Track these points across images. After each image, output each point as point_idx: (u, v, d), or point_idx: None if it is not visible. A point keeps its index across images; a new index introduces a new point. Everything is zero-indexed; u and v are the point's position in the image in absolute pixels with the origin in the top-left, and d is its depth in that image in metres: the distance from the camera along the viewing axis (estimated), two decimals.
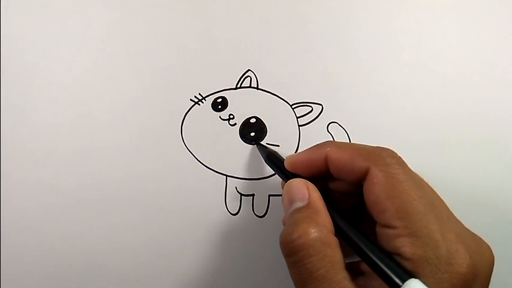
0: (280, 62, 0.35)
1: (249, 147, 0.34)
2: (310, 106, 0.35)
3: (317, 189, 0.26)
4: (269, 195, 0.34)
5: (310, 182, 0.26)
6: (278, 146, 0.34)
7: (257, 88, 0.35)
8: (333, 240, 0.23)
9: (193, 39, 0.34)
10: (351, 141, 0.35)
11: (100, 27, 0.34)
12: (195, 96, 0.34)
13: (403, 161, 0.25)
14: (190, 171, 0.34)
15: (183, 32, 0.34)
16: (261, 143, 0.34)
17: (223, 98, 0.34)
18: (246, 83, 0.34)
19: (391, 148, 0.25)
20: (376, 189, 0.23)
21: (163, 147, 0.34)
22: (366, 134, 0.35)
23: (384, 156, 0.24)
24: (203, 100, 0.34)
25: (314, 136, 0.35)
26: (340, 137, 0.35)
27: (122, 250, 0.33)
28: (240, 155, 0.34)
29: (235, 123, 0.34)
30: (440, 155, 0.35)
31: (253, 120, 0.34)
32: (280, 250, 0.24)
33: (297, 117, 0.35)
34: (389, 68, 0.35)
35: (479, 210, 0.35)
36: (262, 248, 0.34)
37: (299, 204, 0.25)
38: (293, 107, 0.35)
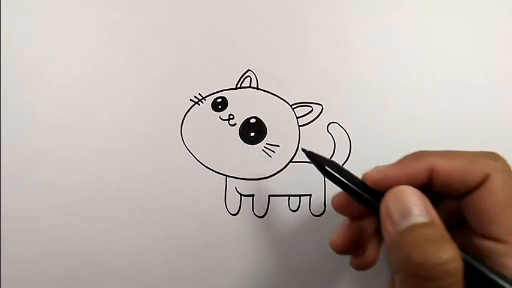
0: (280, 62, 0.35)
1: (249, 147, 0.34)
2: (310, 106, 0.35)
3: (428, 199, 0.22)
4: (269, 196, 0.34)
5: (422, 193, 0.22)
6: (278, 146, 0.34)
7: (257, 88, 0.35)
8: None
9: (193, 39, 0.34)
10: (351, 141, 0.35)
11: (100, 27, 0.34)
12: (195, 96, 0.34)
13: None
14: (190, 171, 0.34)
15: (183, 32, 0.34)
16: (313, 151, 0.27)
17: (223, 98, 0.34)
18: (246, 83, 0.34)
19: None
20: (492, 198, 0.21)
21: (163, 147, 0.34)
22: (366, 134, 0.35)
23: (502, 163, 0.22)
24: (203, 100, 0.34)
25: (314, 136, 0.35)
26: (340, 137, 0.35)
27: (121, 250, 0.33)
28: (240, 155, 0.34)
29: (235, 123, 0.34)
30: None
31: (253, 121, 0.34)
32: (410, 271, 0.19)
33: (297, 117, 0.35)
34: (389, 68, 0.35)
35: None
36: (262, 248, 0.34)
37: (420, 219, 0.20)
38: (293, 107, 0.35)
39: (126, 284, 0.33)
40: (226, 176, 0.34)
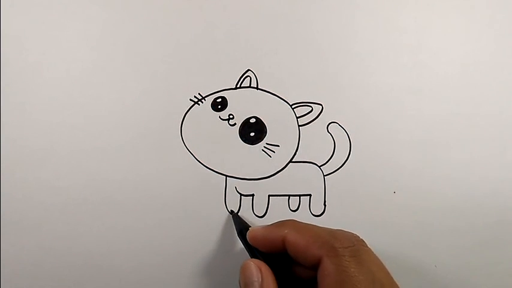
0: (280, 62, 0.35)
1: (249, 147, 0.34)
2: (310, 106, 0.35)
3: (271, 273, 0.26)
4: (269, 195, 0.34)
5: (264, 264, 0.27)
6: (278, 146, 0.34)
7: (257, 88, 0.35)
8: None
9: (193, 39, 0.34)
10: (351, 142, 0.35)
11: (100, 27, 0.34)
12: (195, 96, 0.34)
13: (358, 250, 0.24)
14: (189, 171, 0.34)
15: (182, 32, 0.34)
16: (238, 214, 0.34)
17: (223, 98, 0.34)
18: (246, 83, 0.34)
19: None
20: (327, 281, 0.24)
21: (163, 147, 0.34)
22: (365, 134, 0.35)
23: (337, 247, 0.24)
24: (203, 100, 0.34)
25: (314, 136, 0.35)
26: (340, 137, 0.35)
27: (121, 250, 0.33)
28: (240, 155, 0.34)
29: (235, 123, 0.34)
30: (441, 155, 0.35)
31: (253, 120, 0.34)
32: None
33: (297, 117, 0.35)
34: (389, 68, 0.35)
35: (479, 210, 0.35)
36: None
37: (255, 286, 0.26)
38: (293, 107, 0.35)
39: (126, 283, 0.33)
40: (226, 176, 0.34)
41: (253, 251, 0.29)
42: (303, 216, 0.34)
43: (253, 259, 0.27)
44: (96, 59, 0.34)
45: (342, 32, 0.35)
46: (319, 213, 0.34)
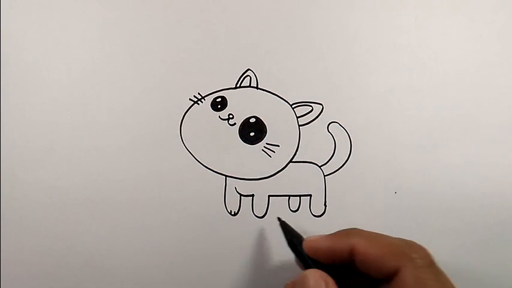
0: (280, 62, 0.35)
1: (249, 147, 0.34)
2: (310, 106, 0.35)
3: (336, 286, 0.24)
4: (269, 196, 0.34)
5: (329, 277, 0.25)
6: (278, 146, 0.34)
7: (257, 88, 0.35)
8: None
9: (193, 38, 0.34)
10: (352, 142, 0.34)
11: (99, 27, 0.34)
12: (194, 96, 0.34)
13: (433, 262, 0.24)
14: (189, 171, 0.34)
15: (182, 32, 0.34)
16: (285, 221, 0.32)
17: (223, 98, 0.34)
18: (246, 82, 0.34)
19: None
20: None
21: (162, 147, 0.34)
22: (366, 134, 0.35)
23: (415, 258, 0.23)
24: (202, 100, 0.34)
25: (314, 136, 0.34)
26: (341, 137, 0.34)
27: (121, 250, 0.33)
28: (240, 155, 0.34)
29: (235, 123, 0.34)
30: (441, 155, 0.35)
31: (252, 120, 0.34)
32: None
33: (297, 117, 0.35)
34: (389, 68, 0.35)
35: (479, 210, 0.35)
36: (262, 249, 0.34)
37: None
38: (293, 106, 0.35)
39: (126, 284, 0.33)
40: (226, 176, 0.34)
41: (310, 262, 0.27)
42: (303, 216, 0.34)
43: (316, 269, 0.26)
44: (96, 59, 0.34)
45: (341, 31, 0.35)
46: (319, 214, 0.34)
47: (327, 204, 0.34)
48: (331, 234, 0.27)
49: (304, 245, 0.27)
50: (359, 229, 0.27)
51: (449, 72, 0.35)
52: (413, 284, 0.22)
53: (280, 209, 0.34)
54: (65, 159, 0.33)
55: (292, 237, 0.30)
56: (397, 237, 0.25)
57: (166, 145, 0.34)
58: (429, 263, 0.24)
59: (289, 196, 0.34)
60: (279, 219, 0.32)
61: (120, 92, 0.34)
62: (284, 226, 0.31)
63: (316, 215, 0.34)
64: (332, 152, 0.34)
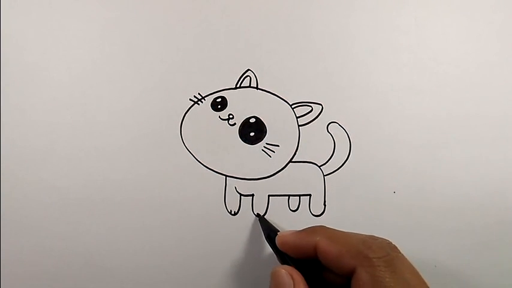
0: (280, 62, 0.35)
1: (248, 147, 0.34)
2: (310, 106, 0.35)
3: (303, 280, 0.26)
4: (269, 196, 0.34)
5: (297, 272, 0.26)
6: (278, 146, 0.34)
7: (257, 88, 0.35)
8: None
9: (193, 38, 0.34)
10: (351, 142, 0.34)
11: (99, 27, 0.34)
12: (195, 96, 0.34)
13: (392, 259, 0.24)
14: (189, 171, 0.34)
15: (182, 32, 0.34)
16: (264, 217, 0.34)
17: (223, 98, 0.34)
18: (246, 82, 0.34)
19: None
20: None
21: (163, 147, 0.34)
22: (365, 134, 0.35)
23: (371, 257, 0.24)
24: (202, 100, 0.34)
25: (314, 136, 0.34)
26: (340, 137, 0.35)
27: (121, 250, 0.33)
28: (240, 155, 0.34)
29: (235, 123, 0.34)
30: (441, 155, 0.35)
31: (252, 120, 0.34)
32: None
33: (297, 117, 0.35)
34: (389, 68, 0.35)
35: (479, 210, 0.35)
36: (261, 249, 0.34)
37: None
38: (293, 106, 0.35)
39: (126, 284, 0.33)
40: (226, 175, 0.34)
41: (283, 256, 0.28)
42: (303, 216, 0.34)
43: (284, 265, 0.27)
44: (96, 59, 0.34)
45: (341, 31, 0.35)
46: (319, 213, 0.34)
47: (326, 203, 0.34)
48: (300, 230, 0.28)
49: (276, 239, 0.29)
50: (324, 227, 0.28)
51: (449, 72, 0.35)
52: (369, 282, 0.23)
53: (280, 208, 0.34)
54: (65, 159, 0.33)
55: (270, 232, 0.30)
56: (364, 234, 0.26)
57: (166, 145, 0.34)
58: (387, 262, 0.24)
59: (288, 196, 0.34)
60: (257, 215, 0.33)
61: (120, 92, 0.34)
62: (263, 222, 0.33)
63: (315, 214, 0.34)
64: (331, 152, 0.35)
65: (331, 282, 0.27)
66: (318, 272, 0.27)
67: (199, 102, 0.34)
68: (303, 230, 0.28)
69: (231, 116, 0.34)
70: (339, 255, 0.25)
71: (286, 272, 0.26)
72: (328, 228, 0.27)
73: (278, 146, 0.34)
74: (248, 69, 0.34)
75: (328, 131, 0.35)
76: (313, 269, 0.27)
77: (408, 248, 0.34)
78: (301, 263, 0.27)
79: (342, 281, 0.26)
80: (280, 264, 0.29)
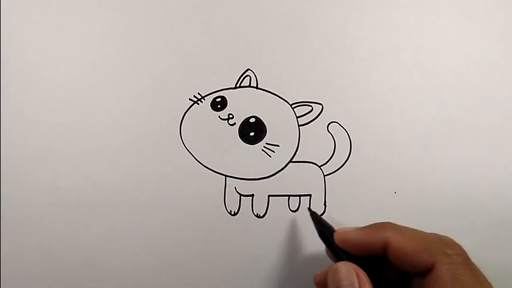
0: (280, 62, 0.35)
1: (248, 147, 0.34)
2: (310, 106, 0.35)
3: (368, 279, 0.24)
4: (269, 196, 0.34)
5: (360, 269, 0.25)
6: (278, 145, 0.34)
7: (257, 87, 0.35)
8: None
9: (193, 38, 0.34)
10: (352, 142, 0.34)
11: (99, 27, 0.34)
12: (194, 96, 0.34)
13: (469, 258, 0.24)
14: (189, 171, 0.34)
15: (182, 31, 0.34)
16: (315, 212, 0.32)
17: (223, 98, 0.34)
18: (246, 82, 0.34)
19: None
20: None
21: (162, 147, 0.34)
22: (365, 134, 0.35)
23: (451, 254, 0.23)
24: (202, 99, 0.34)
25: (314, 136, 0.34)
26: (341, 137, 0.34)
27: (121, 250, 0.33)
28: (240, 155, 0.34)
29: (235, 123, 0.34)
30: (441, 155, 0.35)
31: (252, 120, 0.34)
32: None
33: (297, 117, 0.35)
34: (389, 68, 0.35)
35: (479, 211, 0.35)
36: (261, 249, 0.34)
37: None
38: (293, 106, 0.35)
39: (126, 284, 0.33)
40: (226, 175, 0.34)
41: (340, 254, 0.27)
42: (303, 216, 0.34)
43: (347, 262, 0.26)
44: (95, 59, 0.34)
45: (341, 31, 0.35)
46: (319, 214, 0.34)
47: (326, 204, 0.34)
48: (363, 227, 0.27)
49: (335, 236, 0.27)
50: (393, 223, 0.26)
51: (449, 72, 0.35)
52: (450, 280, 0.22)
53: (280, 209, 0.34)
54: (65, 159, 0.33)
55: (323, 228, 0.29)
56: (430, 232, 0.25)
57: (166, 145, 0.34)
58: (465, 260, 0.23)
59: (289, 196, 0.34)
60: (309, 209, 0.33)
61: (120, 92, 0.34)
62: (315, 217, 0.31)
63: None
64: (332, 151, 0.34)
65: (390, 279, 0.27)
66: (378, 270, 0.27)
67: (199, 102, 0.34)
68: (368, 226, 0.27)
69: (230, 116, 0.34)
70: (415, 252, 0.24)
71: (350, 269, 0.25)
72: (397, 224, 0.26)
73: (278, 146, 0.34)
74: (248, 69, 0.34)
75: (328, 130, 0.35)
76: (373, 267, 0.26)
77: None
78: (360, 261, 0.26)
79: (401, 278, 0.25)
80: (334, 262, 0.28)
